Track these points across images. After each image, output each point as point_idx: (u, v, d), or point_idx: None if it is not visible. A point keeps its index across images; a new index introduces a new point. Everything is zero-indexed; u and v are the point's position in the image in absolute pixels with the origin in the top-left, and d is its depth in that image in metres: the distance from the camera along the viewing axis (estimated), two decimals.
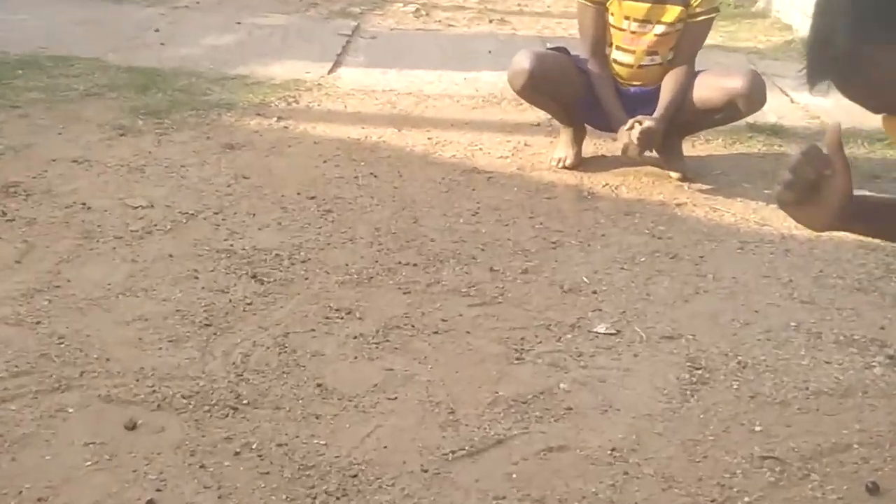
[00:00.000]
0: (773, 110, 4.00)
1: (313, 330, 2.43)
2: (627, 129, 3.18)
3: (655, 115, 3.22)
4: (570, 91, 3.40)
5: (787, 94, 4.38)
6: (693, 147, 3.72)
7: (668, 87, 3.28)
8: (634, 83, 3.35)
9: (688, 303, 2.63)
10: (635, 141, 3.15)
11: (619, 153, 3.37)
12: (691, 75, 3.36)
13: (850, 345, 2.45)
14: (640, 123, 3.16)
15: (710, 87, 3.27)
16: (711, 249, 2.95)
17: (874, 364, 2.36)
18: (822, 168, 1.14)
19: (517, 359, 2.34)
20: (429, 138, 3.80)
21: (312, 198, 3.20)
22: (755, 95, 3.19)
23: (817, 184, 1.15)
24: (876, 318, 2.58)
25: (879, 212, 1.20)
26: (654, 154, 3.37)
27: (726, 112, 3.30)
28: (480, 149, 3.74)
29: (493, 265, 2.82)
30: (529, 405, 2.13)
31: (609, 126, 3.35)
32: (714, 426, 2.08)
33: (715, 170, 3.54)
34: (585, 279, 2.75)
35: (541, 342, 2.42)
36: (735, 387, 2.25)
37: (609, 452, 1.96)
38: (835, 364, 2.37)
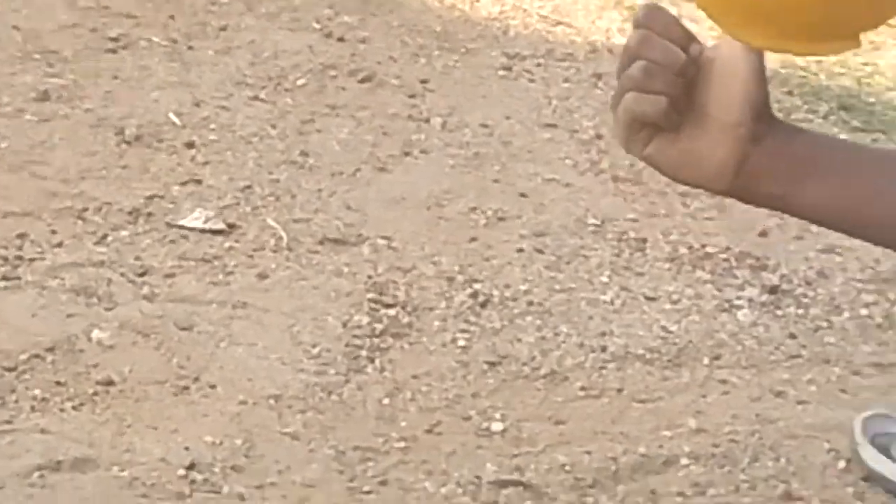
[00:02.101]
0: None
1: None
2: None
3: None
4: None
5: None
6: None
7: None
8: None
9: (386, 171, 2.63)
10: None
11: None
12: None
13: None
14: None
15: None
16: None
17: None
18: (681, 51, 1.07)
19: (5, 278, 2.32)
20: None
21: None
22: None
23: (687, 89, 1.09)
24: None
25: (829, 156, 1.08)
26: None
27: None
28: None
29: None
30: (22, 375, 2.10)
31: None
32: (415, 420, 2.14)
33: None
34: (173, 117, 2.73)
35: (62, 243, 2.42)
36: (462, 343, 2.29)
37: (174, 477, 1.99)
38: None
